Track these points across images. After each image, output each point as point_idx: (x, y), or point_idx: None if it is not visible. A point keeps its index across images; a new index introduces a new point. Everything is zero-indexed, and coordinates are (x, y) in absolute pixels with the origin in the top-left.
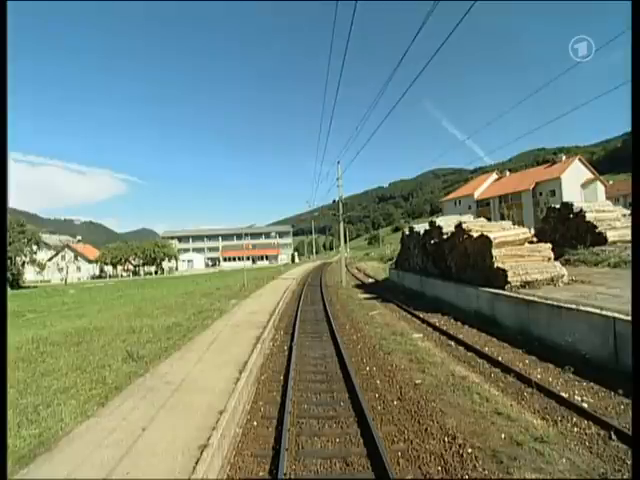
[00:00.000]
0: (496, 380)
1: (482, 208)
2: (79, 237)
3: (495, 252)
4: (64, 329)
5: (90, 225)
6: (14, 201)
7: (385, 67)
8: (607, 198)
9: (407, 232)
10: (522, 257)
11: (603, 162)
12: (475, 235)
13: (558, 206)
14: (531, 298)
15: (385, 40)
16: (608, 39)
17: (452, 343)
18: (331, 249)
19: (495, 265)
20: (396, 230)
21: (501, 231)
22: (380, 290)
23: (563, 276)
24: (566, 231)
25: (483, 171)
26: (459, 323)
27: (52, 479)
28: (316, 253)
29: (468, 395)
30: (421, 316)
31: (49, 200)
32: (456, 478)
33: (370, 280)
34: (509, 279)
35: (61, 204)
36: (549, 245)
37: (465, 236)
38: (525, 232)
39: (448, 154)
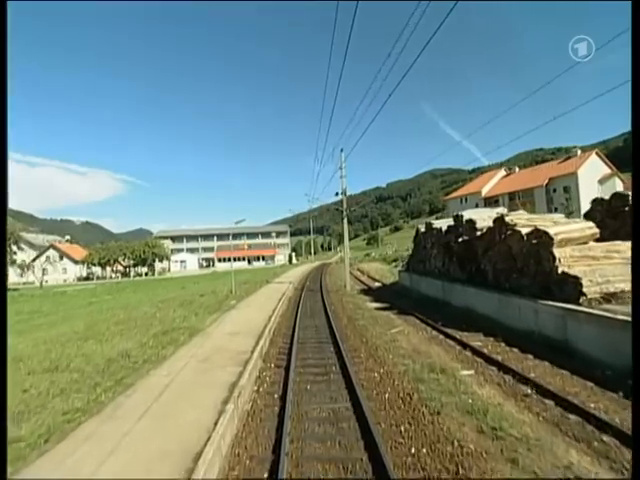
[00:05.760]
0: None
1: (490, 206)
2: (67, 237)
3: (558, 253)
4: None
5: (87, 225)
6: (12, 201)
7: (385, 65)
8: None
9: (423, 229)
10: (596, 259)
11: None
12: (524, 231)
13: (607, 197)
14: None
15: (385, 38)
16: (608, 39)
17: (529, 391)
18: (329, 249)
19: (559, 270)
20: (396, 230)
21: (559, 225)
22: (392, 297)
23: None
24: (619, 227)
25: (481, 171)
26: (515, 350)
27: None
28: (314, 253)
29: None
30: (457, 337)
31: (48, 200)
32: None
33: (377, 284)
34: (584, 289)
35: (60, 204)
36: (629, 243)
37: (508, 232)
38: (591, 226)
39: (446, 154)
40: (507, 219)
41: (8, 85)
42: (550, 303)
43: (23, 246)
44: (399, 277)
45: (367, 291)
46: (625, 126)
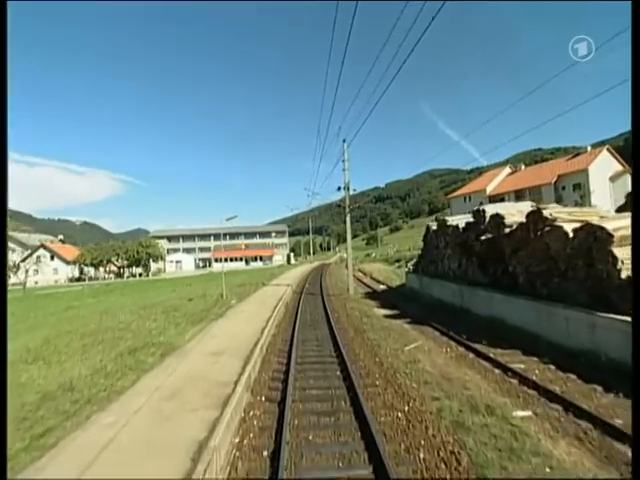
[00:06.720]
0: None
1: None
2: (60, 236)
3: (620, 253)
4: None
5: (85, 225)
6: (11, 201)
7: (383, 64)
8: None
9: (435, 227)
10: None
11: None
12: (569, 227)
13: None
14: None
15: (385, 38)
16: (607, 39)
17: (629, 452)
18: (328, 249)
19: (623, 274)
20: (395, 230)
21: (614, 220)
22: (401, 302)
23: None
24: None
25: (480, 171)
26: (573, 377)
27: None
28: (313, 253)
29: None
30: (491, 356)
31: (47, 200)
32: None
33: (382, 287)
34: None
35: (59, 204)
36: None
37: (546, 228)
38: None
39: (444, 154)
40: (546, 212)
41: (8, 85)
42: (616, 317)
43: (13, 246)
44: (406, 279)
45: (372, 295)
46: (625, 126)
